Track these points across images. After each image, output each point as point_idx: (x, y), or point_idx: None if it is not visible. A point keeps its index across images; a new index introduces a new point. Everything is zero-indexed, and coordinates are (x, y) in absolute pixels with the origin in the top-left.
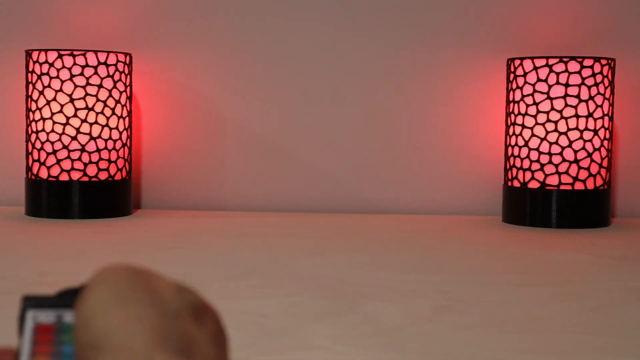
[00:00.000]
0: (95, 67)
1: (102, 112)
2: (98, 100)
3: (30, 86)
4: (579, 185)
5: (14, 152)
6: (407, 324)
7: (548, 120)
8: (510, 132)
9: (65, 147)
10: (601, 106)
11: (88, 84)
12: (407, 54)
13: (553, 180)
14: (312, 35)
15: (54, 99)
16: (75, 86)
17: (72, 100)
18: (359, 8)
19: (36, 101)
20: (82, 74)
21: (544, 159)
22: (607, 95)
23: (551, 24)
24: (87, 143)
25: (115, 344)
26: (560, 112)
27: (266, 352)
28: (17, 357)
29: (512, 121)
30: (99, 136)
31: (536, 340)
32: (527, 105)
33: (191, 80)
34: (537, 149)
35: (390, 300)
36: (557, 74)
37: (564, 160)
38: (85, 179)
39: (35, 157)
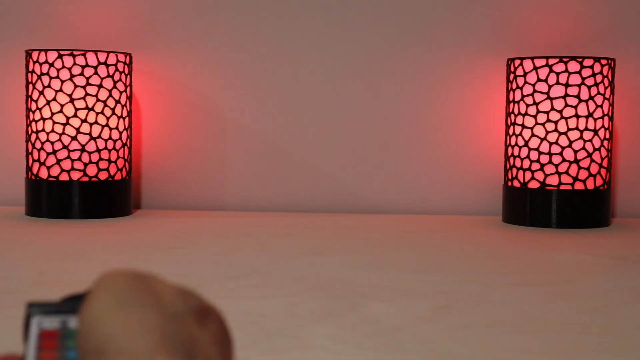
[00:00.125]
0: (95, 67)
1: (102, 112)
2: (98, 100)
3: (30, 86)
4: (579, 185)
5: (14, 152)
6: (407, 324)
7: (548, 120)
8: (510, 132)
9: (65, 147)
10: (601, 106)
11: (88, 84)
12: (407, 54)
13: (553, 180)
14: (312, 35)
15: (54, 99)
16: (75, 86)
17: (72, 100)
18: (359, 8)
19: (36, 101)
20: (82, 74)
21: (544, 159)
22: (607, 95)
23: (551, 24)
24: (87, 143)
25: (118, 348)
26: (560, 112)
27: (266, 352)
28: None
29: (512, 121)
30: (99, 136)
31: (536, 340)
32: (527, 105)
33: (191, 80)
34: (537, 149)
35: (390, 300)
36: (557, 74)
37: (564, 160)
38: (85, 179)
39: (35, 157)
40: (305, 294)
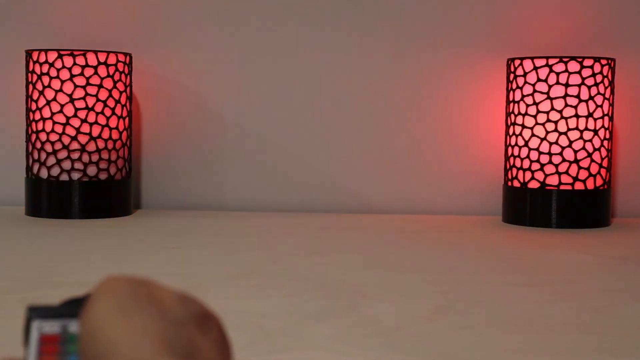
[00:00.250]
0: (95, 67)
1: (102, 112)
2: (98, 100)
3: (30, 86)
4: (579, 185)
5: (14, 152)
6: (407, 324)
7: (548, 120)
8: (510, 132)
9: (65, 147)
10: (601, 106)
11: (88, 84)
12: (407, 54)
13: (553, 180)
14: (312, 35)
15: (54, 99)
16: (75, 86)
17: (72, 101)
18: (359, 9)
19: (36, 101)
20: (82, 74)
21: (544, 159)
22: (607, 95)
23: (551, 24)
24: (87, 143)
25: (120, 354)
26: (560, 112)
27: (266, 352)
28: None
29: (512, 121)
30: (99, 136)
31: (536, 340)
32: (527, 105)
33: (191, 80)
34: (537, 149)
35: (390, 300)
36: (557, 74)
37: (564, 160)
38: (85, 179)
39: (35, 157)
40: (305, 294)
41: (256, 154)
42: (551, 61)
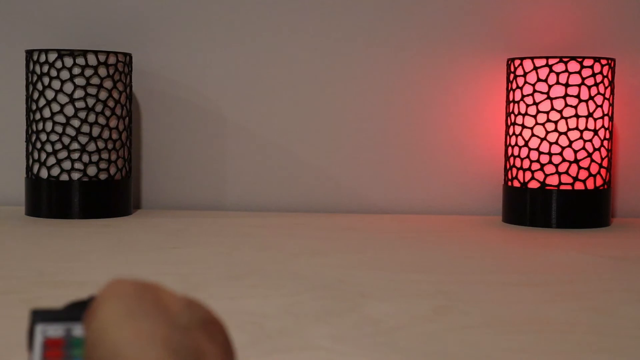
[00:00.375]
0: (95, 67)
1: (102, 113)
2: (98, 100)
3: (31, 86)
4: (579, 185)
5: (14, 152)
6: (407, 324)
7: (548, 120)
8: (510, 132)
9: (65, 147)
10: (601, 106)
11: (88, 84)
12: (407, 54)
13: (553, 180)
14: (312, 36)
15: (54, 99)
16: (75, 86)
17: (72, 101)
18: (359, 9)
19: (36, 101)
20: (82, 74)
21: (544, 159)
22: (607, 95)
23: (551, 24)
24: (87, 143)
25: (126, 358)
26: (560, 112)
27: (266, 352)
28: None
29: (512, 121)
30: (99, 136)
31: (536, 340)
32: (527, 105)
33: (191, 80)
34: (537, 149)
35: (390, 300)
36: (557, 74)
37: (564, 160)
38: (85, 179)
39: (35, 157)
40: (305, 294)
41: (256, 154)
42: (551, 61)
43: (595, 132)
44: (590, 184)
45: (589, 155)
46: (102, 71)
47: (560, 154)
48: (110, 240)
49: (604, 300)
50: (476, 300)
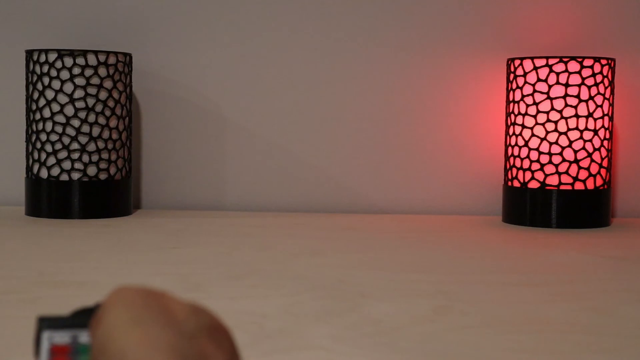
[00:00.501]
0: (95, 67)
1: (102, 113)
2: (98, 100)
3: (31, 86)
4: (579, 185)
5: (14, 152)
6: (407, 324)
7: (548, 120)
8: (510, 132)
9: (65, 147)
10: (601, 106)
11: (88, 84)
12: (407, 54)
13: (553, 180)
14: (312, 36)
15: (54, 99)
16: (75, 86)
17: (72, 101)
18: (359, 9)
19: (36, 101)
20: (82, 74)
21: (544, 159)
22: (607, 95)
23: (551, 24)
24: (87, 143)
25: None
26: (560, 112)
27: (266, 352)
28: None
29: (512, 121)
30: (99, 136)
31: (536, 340)
32: (527, 105)
33: (191, 80)
34: (537, 149)
35: (390, 300)
36: (557, 74)
37: (564, 160)
38: (85, 179)
39: (35, 157)
40: (305, 294)
41: (256, 154)
42: (551, 61)
43: (595, 132)
44: (590, 184)
45: (589, 155)
46: (102, 71)
47: (560, 154)
48: (110, 240)
49: (603, 300)
50: (476, 300)
